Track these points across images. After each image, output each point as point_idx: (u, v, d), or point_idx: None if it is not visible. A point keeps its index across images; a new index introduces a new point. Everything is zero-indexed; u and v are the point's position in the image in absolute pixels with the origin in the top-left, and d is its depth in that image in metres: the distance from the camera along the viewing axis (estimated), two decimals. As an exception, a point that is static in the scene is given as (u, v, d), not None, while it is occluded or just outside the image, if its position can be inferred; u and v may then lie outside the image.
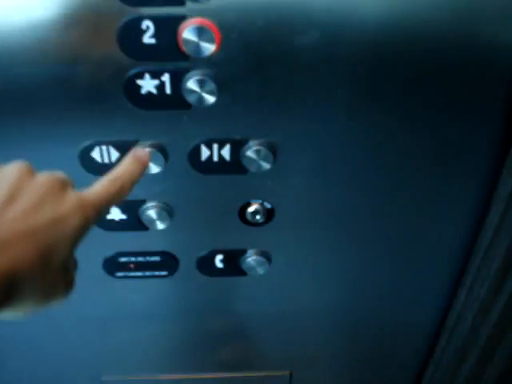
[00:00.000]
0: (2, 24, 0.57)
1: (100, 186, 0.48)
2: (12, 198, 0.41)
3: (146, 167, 0.55)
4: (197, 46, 0.59)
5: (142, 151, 0.56)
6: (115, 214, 0.74)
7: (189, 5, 0.58)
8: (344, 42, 0.60)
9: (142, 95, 0.63)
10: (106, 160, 0.69)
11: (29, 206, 0.41)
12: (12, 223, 0.39)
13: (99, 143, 0.68)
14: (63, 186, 0.45)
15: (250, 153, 0.68)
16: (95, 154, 0.68)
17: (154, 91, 0.63)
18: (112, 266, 0.81)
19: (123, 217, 0.75)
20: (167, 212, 0.74)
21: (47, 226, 0.41)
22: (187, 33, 0.58)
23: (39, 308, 0.42)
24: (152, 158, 0.67)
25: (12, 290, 0.38)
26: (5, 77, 0.61)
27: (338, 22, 0.59)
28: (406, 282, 0.86)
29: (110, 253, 0.80)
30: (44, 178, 0.44)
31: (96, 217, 0.46)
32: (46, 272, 0.41)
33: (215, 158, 0.69)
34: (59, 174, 0.46)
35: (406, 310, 0.90)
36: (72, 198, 0.45)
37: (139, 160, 0.54)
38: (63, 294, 0.45)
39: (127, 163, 0.53)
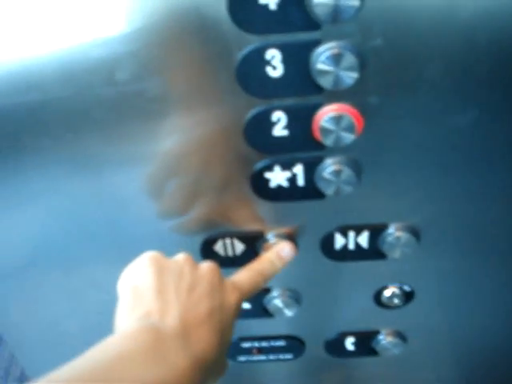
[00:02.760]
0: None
1: (246, 276, 0.54)
2: (191, 287, 0.48)
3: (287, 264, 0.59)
4: (336, 136, 0.51)
5: (287, 251, 0.59)
6: (238, 303, 0.68)
7: (327, 91, 0.50)
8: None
9: (270, 188, 0.56)
10: (230, 253, 0.62)
11: (203, 293, 0.48)
12: (195, 308, 0.46)
13: (223, 236, 0.61)
14: (220, 274, 0.51)
15: (390, 239, 0.60)
16: (218, 248, 0.62)
17: (285, 184, 0.56)
18: (234, 351, 0.74)
19: (247, 306, 0.68)
20: (294, 299, 0.67)
21: (219, 309, 0.48)
22: (325, 122, 0.51)
23: None
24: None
25: (200, 380, 0.43)
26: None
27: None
28: None
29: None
30: (206, 268, 0.51)
31: (243, 301, 0.53)
32: (221, 354, 0.47)
33: (351, 246, 0.61)
34: (214, 264, 0.52)
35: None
36: (229, 283, 0.51)
37: (283, 259, 0.58)
38: (223, 372, 0.50)
39: (271, 259, 0.58)
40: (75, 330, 0.75)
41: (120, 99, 0.51)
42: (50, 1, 0.46)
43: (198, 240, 0.62)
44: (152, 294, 0.46)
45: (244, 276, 0.55)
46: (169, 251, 0.54)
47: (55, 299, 0.70)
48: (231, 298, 0.50)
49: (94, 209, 0.59)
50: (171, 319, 0.44)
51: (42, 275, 0.67)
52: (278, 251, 0.58)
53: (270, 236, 0.61)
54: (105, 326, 0.70)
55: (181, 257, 0.52)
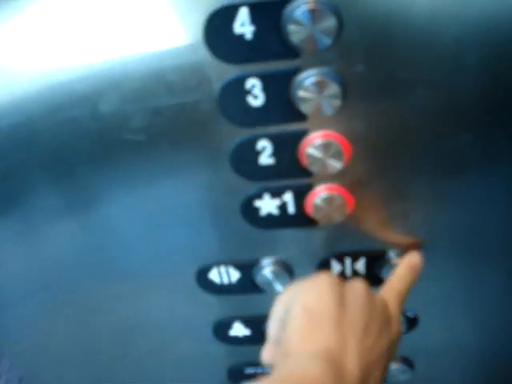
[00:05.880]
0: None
1: (397, 303, 0.51)
2: (367, 325, 0.45)
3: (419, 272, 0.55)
4: (323, 164, 0.50)
5: (416, 258, 0.55)
6: (238, 329, 0.67)
7: (311, 118, 0.49)
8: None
9: (261, 216, 0.55)
10: (226, 281, 0.61)
11: (378, 332, 0.46)
12: (371, 350, 0.44)
13: (218, 263, 0.60)
14: (390, 309, 0.50)
15: (388, 265, 0.58)
16: (213, 275, 0.61)
17: (276, 211, 0.55)
18: (238, 377, 0.73)
19: (247, 333, 0.67)
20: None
21: (389, 346, 0.47)
22: (311, 150, 0.49)
23: None
24: (277, 277, 0.59)
25: None
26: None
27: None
28: None
29: (235, 363, 0.72)
30: (381, 302, 0.49)
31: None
32: None
33: (348, 273, 0.60)
34: (385, 299, 0.50)
35: None
36: (395, 318, 0.50)
37: (414, 268, 0.55)
38: None
39: (404, 274, 0.54)
40: (80, 354, 0.75)
41: (105, 131, 0.51)
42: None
43: (193, 268, 0.61)
44: (331, 325, 0.44)
45: (396, 302, 0.52)
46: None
47: (60, 325, 0.70)
48: (396, 330, 0.49)
49: (87, 237, 0.60)
50: (352, 365, 0.42)
51: (48, 301, 0.67)
52: (408, 262, 0.55)
53: (265, 263, 0.60)
54: (109, 350, 0.71)
55: (360, 286, 0.49)
